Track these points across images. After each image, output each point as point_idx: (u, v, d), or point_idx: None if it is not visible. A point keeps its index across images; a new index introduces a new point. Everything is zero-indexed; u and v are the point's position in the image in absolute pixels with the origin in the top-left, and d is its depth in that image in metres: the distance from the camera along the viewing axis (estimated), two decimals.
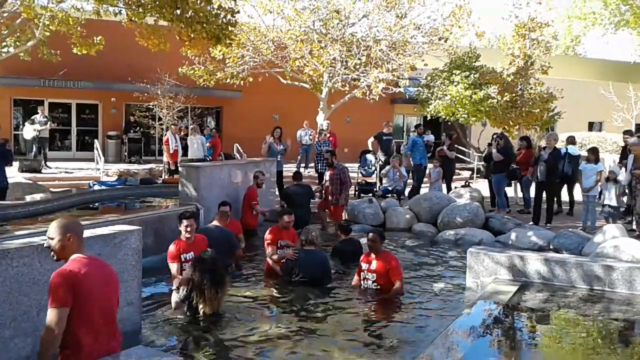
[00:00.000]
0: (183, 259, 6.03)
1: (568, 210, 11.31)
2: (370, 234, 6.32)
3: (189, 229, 6.12)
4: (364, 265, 6.29)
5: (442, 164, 12.49)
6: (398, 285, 6.07)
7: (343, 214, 10.42)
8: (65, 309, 3.05)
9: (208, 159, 14.06)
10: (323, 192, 10.37)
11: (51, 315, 3.03)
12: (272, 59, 17.40)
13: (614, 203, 9.67)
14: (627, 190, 9.78)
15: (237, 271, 7.09)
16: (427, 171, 12.86)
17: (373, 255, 6.23)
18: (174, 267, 6.05)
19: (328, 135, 14.04)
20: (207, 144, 14.24)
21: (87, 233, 3.84)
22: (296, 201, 9.38)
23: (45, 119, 15.81)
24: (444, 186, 12.74)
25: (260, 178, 9.50)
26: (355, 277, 6.43)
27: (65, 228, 3.21)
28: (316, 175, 12.91)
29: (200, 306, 5.16)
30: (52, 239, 3.21)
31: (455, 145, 14.27)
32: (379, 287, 6.12)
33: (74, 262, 3.18)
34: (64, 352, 3.17)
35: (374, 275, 6.14)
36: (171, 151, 13.79)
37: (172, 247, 6.13)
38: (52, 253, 3.25)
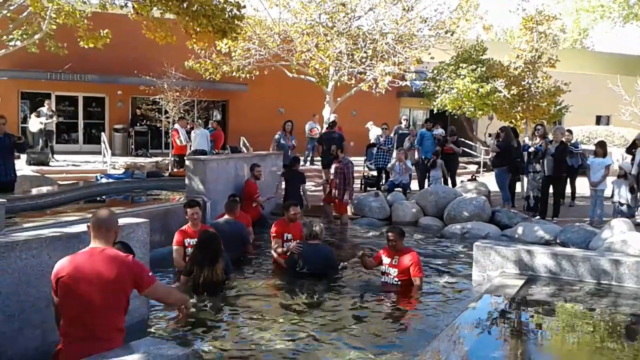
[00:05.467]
0: (187, 244, 6.50)
1: (570, 202, 11.31)
2: (389, 233, 6.23)
3: (195, 217, 6.61)
4: (385, 259, 6.24)
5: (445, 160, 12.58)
6: (418, 283, 6.06)
7: (348, 207, 10.41)
8: (54, 297, 3.25)
9: (214, 152, 14.12)
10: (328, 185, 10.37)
11: None
12: (278, 52, 17.36)
13: (624, 200, 9.62)
14: (634, 185, 9.73)
15: (246, 264, 7.14)
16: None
17: (395, 251, 6.17)
18: (177, 250, 6.52)
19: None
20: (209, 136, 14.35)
21: None
22: (328, 146, 11.36)
23: (50, 113, 15.88)
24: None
25: (256, 170, 9.45)
26: (372, 261, 6.40)
27: (90, 219, 3.39)
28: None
29: (200, 278, 5.77)
30: None
31: (461, 139, 14.28)
32: (399, 282, 6.09)
33: (70, 255, 3.32)
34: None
35: (396, 270, 6.10)
36: (184, 143, 13.84)
37: (177, 233, 6.62)
38: None
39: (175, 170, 14.10)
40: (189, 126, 15.07)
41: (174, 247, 6.55)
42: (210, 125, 15.67)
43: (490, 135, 11.58)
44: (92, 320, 3.18)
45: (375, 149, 13.13)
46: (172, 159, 15.01)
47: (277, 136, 12.10)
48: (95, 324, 3.18)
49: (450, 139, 13.28)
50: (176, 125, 14.56)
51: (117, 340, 3.21)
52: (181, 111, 16.59)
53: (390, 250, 6.22)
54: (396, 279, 6.10)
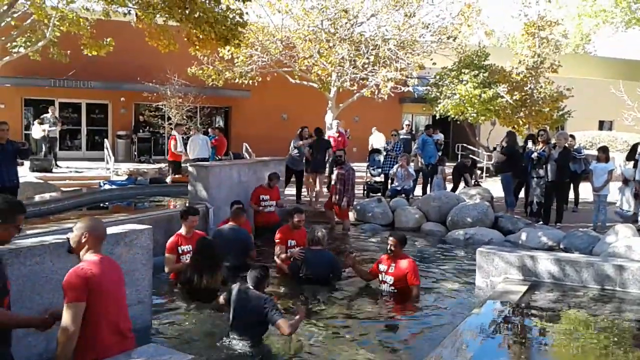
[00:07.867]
0: (180, 251, 6.45)
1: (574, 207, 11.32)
2: (391, 238, 6.23)
3: (194, 224, 6.61)
4: (382, 267, 6.25)
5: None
6: (415, 292, 6.06)
7: (350, 213, 10.40)
8: (80, 305, 3.12)
9: (217, 159, 14.09)
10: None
11: (66, 312, 3.10)
12: (280, 58, 17.41)
13: (626, 206, 9.61)
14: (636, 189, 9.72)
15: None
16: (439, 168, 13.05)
17: (392, 258, 6.18)
18: (169, 257, 6.45)
19: (337, 135, 14.00)
20: (211, 143, 14.31)
21: None
22: (320, 149, 11.93)
23: (54, 120, 15.91)
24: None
25: (274, 181, 9.44)
26: (364, 271, 6.47)
27: (85, 227, 3.36)
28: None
29: (201, 285, 5.80)
30: (73, 232, 3.39)
31: (464, 144, 14.34)
32: (395, 290, 6.10)
33: (87, 262, 3.27)
34: (82, 349, 3.21)
35: (392, 278, 6.11)
36: (179, 150, 13.65)
37: (171, 239, 6.53)
38: (68, 245, 3.40)
39: (174, 175, 14.04)
40: (192, 132, 15.03)
41: (167, 255, 6.45)
42: (210, 132, 15.63)
43: (496, 146, 11.64)
44: (123, 323, 3.38)
45: (383, 155, 13.17)
46: (168, 164, 14.89)
47: (293, 142, 12.11)
48: (125, 325, 3.39)
49: (468, 170, 13.47)
50: (173, 132, 14.43)
51: (133, 338, 3.45)
52: (184, 117, 16.61)
53: (388, 257, 6.22)
54: (392, 287, 6.10)
